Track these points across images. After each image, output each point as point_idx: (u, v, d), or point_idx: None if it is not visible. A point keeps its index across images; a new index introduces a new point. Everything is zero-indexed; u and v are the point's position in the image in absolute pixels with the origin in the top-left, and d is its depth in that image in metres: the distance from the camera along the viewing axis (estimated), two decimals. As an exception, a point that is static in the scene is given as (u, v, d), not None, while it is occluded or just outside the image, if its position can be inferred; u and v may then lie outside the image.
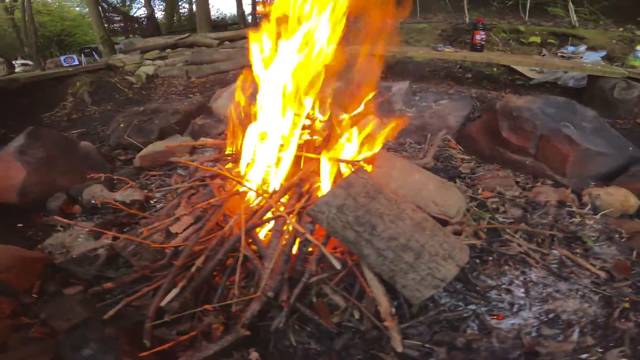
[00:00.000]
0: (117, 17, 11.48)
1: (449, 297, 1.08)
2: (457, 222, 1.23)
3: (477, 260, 1.22)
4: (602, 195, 1.56)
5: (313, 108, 1.27)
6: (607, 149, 1.69)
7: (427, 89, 3.49)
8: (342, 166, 1.22)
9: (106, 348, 0.90)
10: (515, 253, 1.24)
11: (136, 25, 11.81)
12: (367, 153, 1.21)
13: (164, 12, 21.75)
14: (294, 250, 1.01)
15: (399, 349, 0.91)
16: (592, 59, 4.34)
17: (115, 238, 1.41)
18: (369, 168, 1.19)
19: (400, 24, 6.47)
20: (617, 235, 1.45)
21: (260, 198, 1.07)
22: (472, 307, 1.05)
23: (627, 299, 1.17)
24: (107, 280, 1.24)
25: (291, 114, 1.17)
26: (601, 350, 1.01)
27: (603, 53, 4.54)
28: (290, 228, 0.99)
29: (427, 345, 0.95)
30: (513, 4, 7.34)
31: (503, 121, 1.87)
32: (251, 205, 1.11)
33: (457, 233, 1.24)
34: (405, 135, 2.25)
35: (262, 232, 1.14)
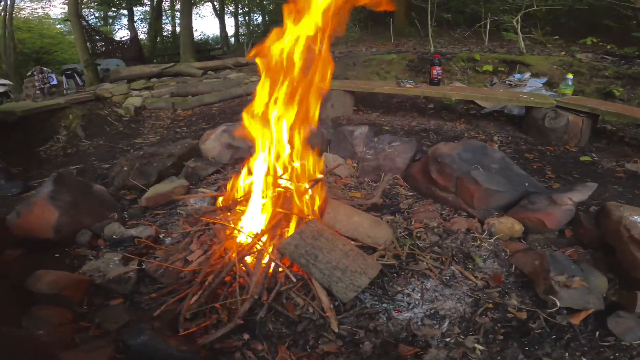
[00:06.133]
0: (99, 38, 12.15)
1: (371, 299, 1.78)
2: (382, 249, 1.95)
3: (395, 275, 1.93)
4: (496, 224, 2.30)
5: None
6: (504, 187, 2.41)
7: (392, 122, 4.24)
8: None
9: (156, 334, 1.56)
10: (420, 269, 1.96)
11: (118, 48, 12.58)
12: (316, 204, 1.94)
13: (147, 35, 22.15)
14: (271, 270, 1.72)
15: (336, 330, 1.61)
16: (535, 86, 5.19)
17: (140, 264, 2.07)
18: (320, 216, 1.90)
19: (372, 55, 7.32)
20: (503, 254, 2.16)
21: (248, 238, 1.78)
22: (385, 305, 1.75)
23: (492, 301, 1.77)
24: (140, 295, 1.91)
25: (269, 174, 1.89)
26: (462, 336, 1.58)
27: (545, 79, 5.40)
28: (267, 257, 1.70)
29: (353, 328, 1.65)
30: (476, 29, 8.35)
31: (432, 165, 2.62)
32: (242, 242, 1.82)
33: (383, 256, 1.96)
34: (365, 174, 3.00)
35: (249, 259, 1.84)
